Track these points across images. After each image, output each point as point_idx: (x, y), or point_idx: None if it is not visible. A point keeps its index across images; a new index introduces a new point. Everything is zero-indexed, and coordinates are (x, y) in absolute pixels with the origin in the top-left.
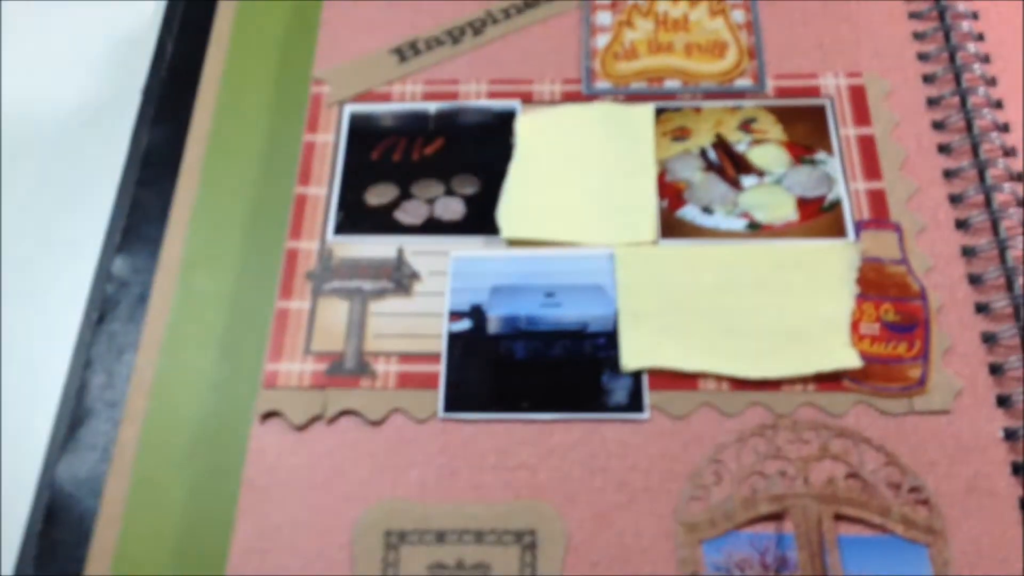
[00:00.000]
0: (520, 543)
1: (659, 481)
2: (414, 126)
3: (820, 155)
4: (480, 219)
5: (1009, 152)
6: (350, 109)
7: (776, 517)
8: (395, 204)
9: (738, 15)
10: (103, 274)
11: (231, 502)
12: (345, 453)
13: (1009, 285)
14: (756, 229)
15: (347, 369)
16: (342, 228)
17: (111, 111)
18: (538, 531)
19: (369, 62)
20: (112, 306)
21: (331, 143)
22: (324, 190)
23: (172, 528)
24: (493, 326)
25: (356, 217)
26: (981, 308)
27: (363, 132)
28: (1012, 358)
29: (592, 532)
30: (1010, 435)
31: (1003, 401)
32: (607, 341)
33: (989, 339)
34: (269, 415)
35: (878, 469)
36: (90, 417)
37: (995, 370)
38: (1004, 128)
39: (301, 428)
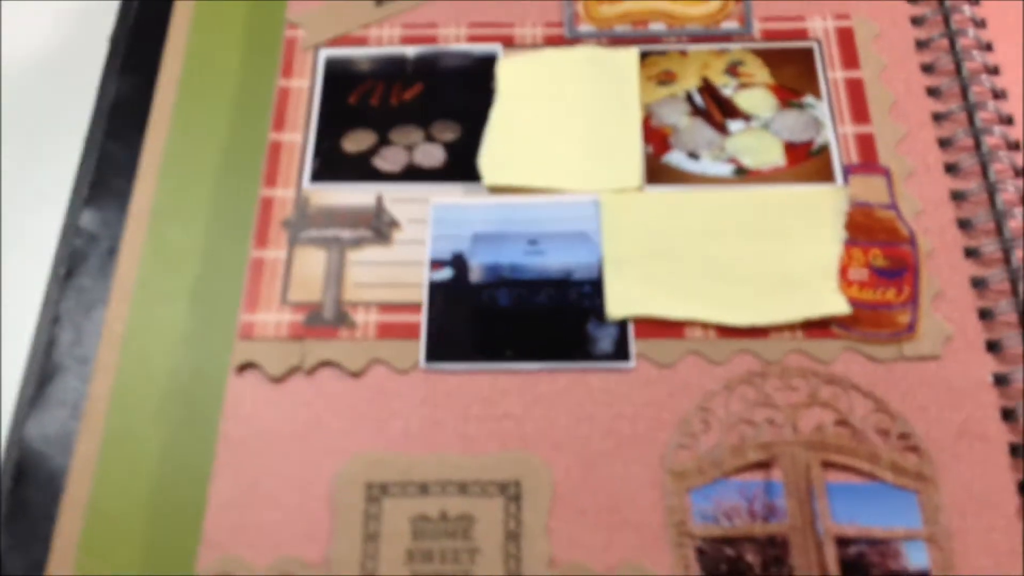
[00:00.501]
0: (505, 494)
1: (646, 430)
2: (392, 70)
3: (808, 99)
4: (461, 166)
5: (999, 95)
6: (325, 53)
7: (764, 465)
8: (373, 151)
9: None
10: (71, 228)
11: (207, 456)
12: (324, 405)
13: (999, 229)
14: (743, 174)
15: (325, 319)
16: (319, 175)
17: (78, 60)
18: (523, 481)
19: (345, 5)
20: (80, 260)
21: (306, 88)
22: (299, 136)
23: (147, 483)
24: (475, 275)
25: (333, 164)
26: (970, 252)
27: (339, 77)
28: (1002, 303)
29: (579, 481)
30: (1000, 380)
31: (993, 346)
32: (592, 289)
33: (978, 284)
34: (245, 366)
35: (867, 416)
36: (59, 373)
37: (984, 315)
38: (994, 71)
39: (279, 380)
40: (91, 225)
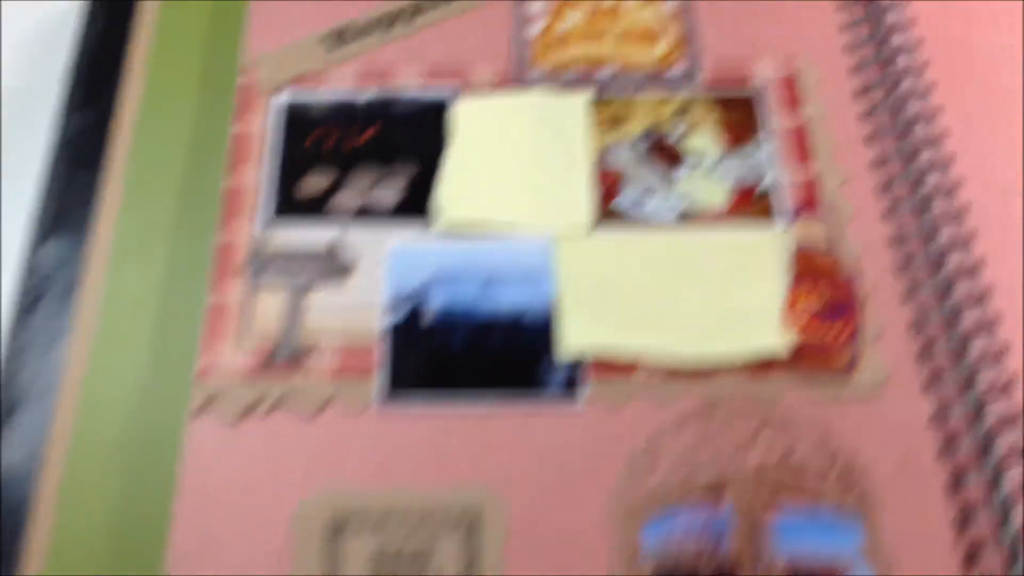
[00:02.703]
0: (461, 529)
1: (596, 467)
2: (347, 114)
3: (753, 143)
4: (416, 206)
5: (934, 142)
6: (281, 98)
7: (713, 500)
8: (330, 192)
9: (668, 5)
10: (29, 265)
11: (166, 500)
12: (281, 446)
13: (937, 268)
14: (690, 218)
15: (282, 361)
16: (275, 218)
17: (32, 97)
18: (479, 516)
19: (298, 49)
20: (38, 297)
21: (260, 132)
22: (255, 179)
23: (106, 526)
24: (430, 317)
25: (290, 206)
26: (910, 293)
27: (295, 120)
28: (939, 343)
29: (532, 518)
30: (936, 417)
31: (929, 386)
32: (544, 330)
33: (916, 325)
34: (203, 407)
35: (811, 452)
36: (20, 409)
37: (922, 355)
38: (930, 119)
39: (236, 421)
40: (48, 262)
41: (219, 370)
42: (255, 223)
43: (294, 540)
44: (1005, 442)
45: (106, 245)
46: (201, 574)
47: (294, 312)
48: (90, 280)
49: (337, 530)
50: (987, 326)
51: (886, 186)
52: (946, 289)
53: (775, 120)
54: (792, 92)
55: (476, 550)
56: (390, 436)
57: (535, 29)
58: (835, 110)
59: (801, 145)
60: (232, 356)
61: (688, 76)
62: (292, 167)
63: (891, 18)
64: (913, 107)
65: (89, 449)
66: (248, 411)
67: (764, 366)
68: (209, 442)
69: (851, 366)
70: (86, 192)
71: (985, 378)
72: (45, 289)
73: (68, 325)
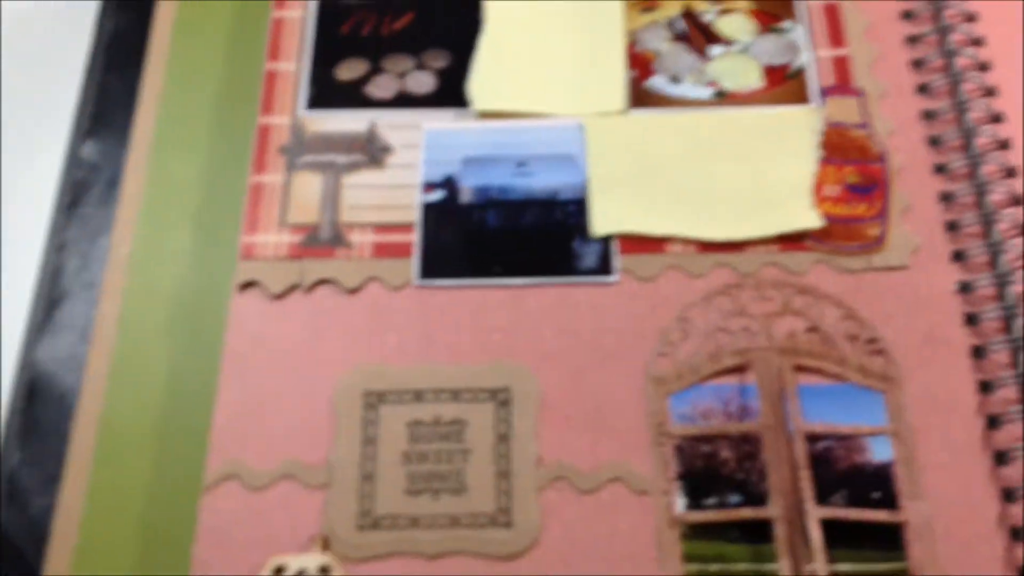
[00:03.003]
0: (495, 400)
1: (629, 340)
2: (383, 1)
3: (786, 23)
4: (451, 92)
5: (971, 17)
6: None
7: (739, 370)
8: (366, 79)
9: None
10: (73, 159)
11: (213, 370)
12: (323, 320)
13: (967, 146)
14: (723, 97)
15: (322, 240)
16: (313, 103)
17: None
18: (512, 389)
19: None
20: (84, 190)
21: (299, 18)
22: (294, 66)
23: (156, 398)
24: (466, 196)
25: (327, 92)
26: (939, 169)
27: (332, 7)
28: (968, 215)
29: (565, 389)
30: (964, 288)
31: (958, 256)
32: (577, 208)
33: (946, 198)
34: (247, 285)
35: (837, 323)
36: (66, 299)
37: (951, 227)
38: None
39: (279, 297)
40: (93, 156)
41: (262, 249)
42: (295, 108)
43: (335, 408)
44: None
45: (148, 137)
46: (247, 439)
47: (333, 193)
48: (133, 171)
49: (376, 399)
50: (1015, 200)
51: (918, 64)
52: (978, 161)
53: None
54: None
55: (509, 421)
56: (428, 312)
57: None
58: None
59: (834, 25)
60: (274, 236)
61: None
62: (330, 53)
63: None
64: None
65: (136, 331)
66: (290, 288)
67: (794, 241)
68: (253, 317)
69: (880, 240)
70: (128, 88)
71: (1012, 250)
72: (90, 184)
73: (113, 215)
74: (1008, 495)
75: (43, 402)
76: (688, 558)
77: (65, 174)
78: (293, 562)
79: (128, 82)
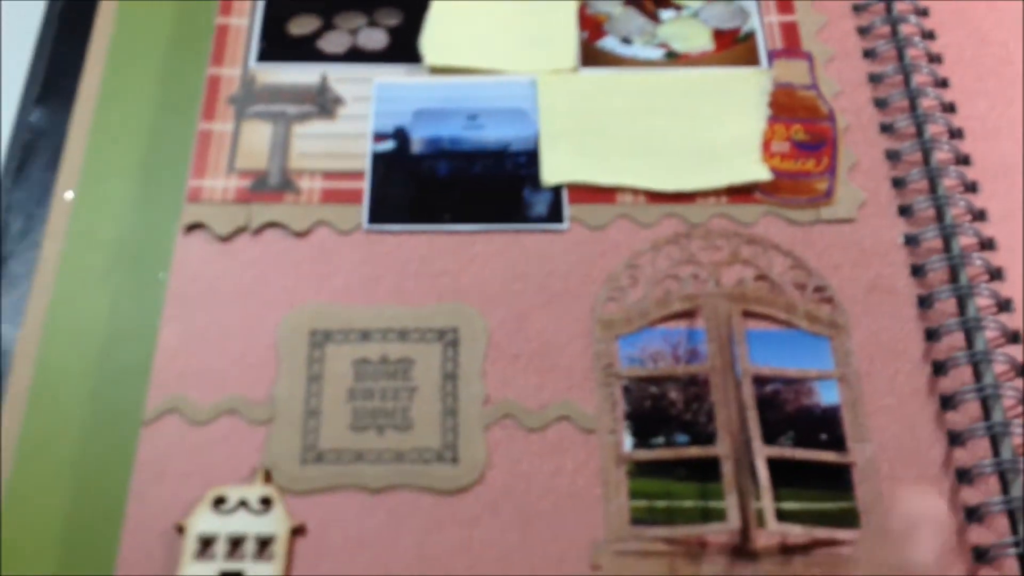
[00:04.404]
0: (442, 340)
1: (577, 284)
2: None
3: None
4: (402, 49)
5: None
6: None
7: (688, 315)
8: (318, 34)
9: None
10: (22, 124)
11: (156, 313)
12: (270, 262)
13: (912, 106)
14: (673, 58)
15: (271, 185)
16: (264, 56)
17: None
18: (460, 329)
19: None
20: (31, 154)
21: None
22: (246, 20)
23: (95, 340)
24: (417, 146)
25: (278, 46)
26: (886, 128)
27: None
28: (914, 171)
29: (513, 330)
30: (910, 240)
31: (904, 211)
32: (528, 160)
33: (893, 156)
34: (193, 227)
35: (785, 272)
36: (11, 258)
37: (897, 183)
38: None
39: (225, 239)
40: (41, 122)
41: (209, 193)
42: (246, 61)
43: (279, 346)
44: (974, 266)
45: (94, 90)
46: (189, 374)
47: (283, 141)
48: (78, 124)
49: (322, 338)
50: (962, 159)
51: (864, 31)
52: (923, 120)
53: None
54: None
55: (456, 360)
56: (376, 256)
57: None
58: None
59: None
60: (222, 180)
61: None
62: (281, 9)
63: None
64: None
65: (76, 274)
66: (237, 231)
67: (743, 193)
68: (198, 259)
69: (828, 194)
70: (77, 55)
71: (958, 205)
72: (37, 147)
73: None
74: (954, 438)
75: None
76: (634, 495)
77: (13, 139)
78: (233, 493)
79: (79, 50)
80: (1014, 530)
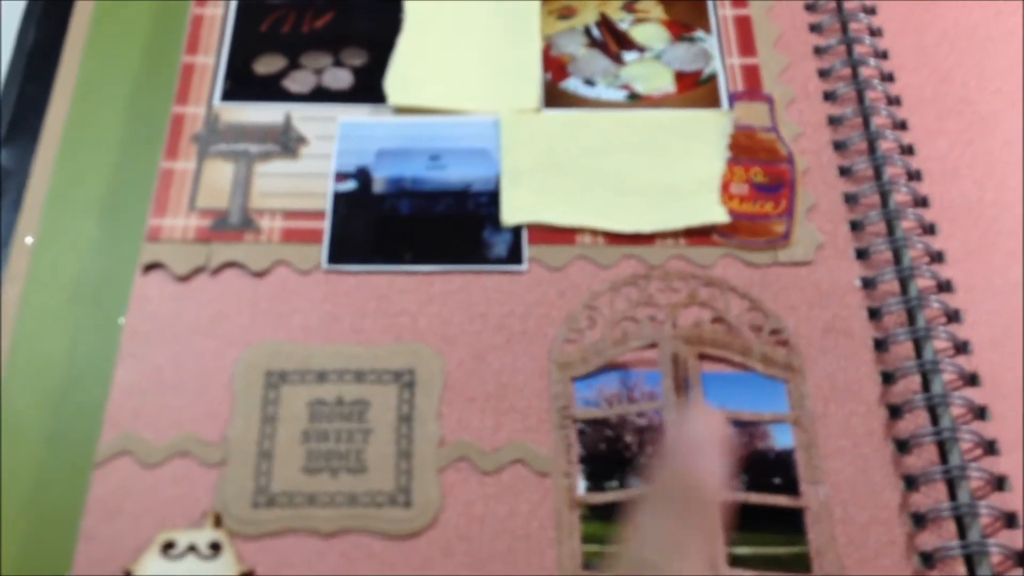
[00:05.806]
0: (398, 381)
1: (535, 325)
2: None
3: (699, 33)
4: (367, 89)
5: (875, 32)
6: None
7: (645, 358)
8: (283, 74)
9: None
10: None
11: (112, 352)
12: (228, 301)
13: (871, 148)
14: (635, 99)
15: (231, 224)
16: (229, 95)
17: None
18: (416, 370)
19: None
20: None
21: (219, 15)
22: (212, 59)
23: (52, 380)
24: (378, 186)
25: (243, 85)
26: (844, 171)
27: (254, 5)
28: (872, 213)
29: (470, 371)
30: (867, 283)
31: (862, 253)
32: (489, 200)
33: (851, 199)
34: (152, 267)
35: (742, 314)
36: None
37: (855, 226)
38: (871, 11)
39: (184, 279)
40: (9, 163)
41: (169, 232)
42: (210, 100)
43: (235, 385)
44: (932, 308)
45: (57, 129)
46: (143, 413)
47: (245, 180)
48: (40, 163)
49: (278, 379)
50: (920, 201)
51: (825, 73)
52: (882, 163)
53: (721, 11)
54: None
55: (412, 402)
56: (335, 296)
57: None
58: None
59: (745, 35)
60: (182, 219)
61: None
62: (248, 48)
63: None
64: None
65: (36, 314)
66: (196, 270)
67: (702, 235)
68: (156, 298)
69: (785, 236)
70: (45, 98)
71: (915, 247)
72: (3, 190)
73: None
74: (910, 483)
75: None
76: (587, 539)
77: None
78: (182, 537)
79: (46, 91)
80: (971, 573)
